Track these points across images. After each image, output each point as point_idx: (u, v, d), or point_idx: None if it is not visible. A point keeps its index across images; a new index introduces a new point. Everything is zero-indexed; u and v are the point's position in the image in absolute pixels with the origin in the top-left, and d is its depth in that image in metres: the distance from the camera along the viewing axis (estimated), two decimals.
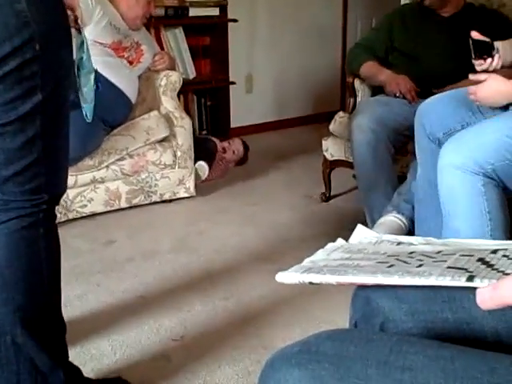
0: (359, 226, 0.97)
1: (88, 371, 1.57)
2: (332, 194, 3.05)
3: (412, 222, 2.16)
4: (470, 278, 0.62)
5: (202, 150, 3.19)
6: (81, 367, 1.40)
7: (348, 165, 2.78)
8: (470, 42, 1.83)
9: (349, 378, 0.59)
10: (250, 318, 1.89)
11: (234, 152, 3.57)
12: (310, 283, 0.73)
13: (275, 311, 1.94)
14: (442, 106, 1.86)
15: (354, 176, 2.72)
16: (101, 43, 2.82)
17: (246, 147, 3.63)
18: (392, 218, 2.22)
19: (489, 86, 1.71)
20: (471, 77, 1.79)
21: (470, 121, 1.78)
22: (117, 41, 2.89)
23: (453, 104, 1.85)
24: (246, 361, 1.66)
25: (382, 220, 2.23)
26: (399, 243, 0.87)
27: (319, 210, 2.93)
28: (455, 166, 1.55)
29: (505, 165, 1.52)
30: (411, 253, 0.79)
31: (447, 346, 0.62)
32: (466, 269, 0.66)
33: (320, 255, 0.86)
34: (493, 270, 0.65)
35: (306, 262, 0.83)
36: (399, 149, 2.50)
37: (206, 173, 3.06)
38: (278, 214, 2.85)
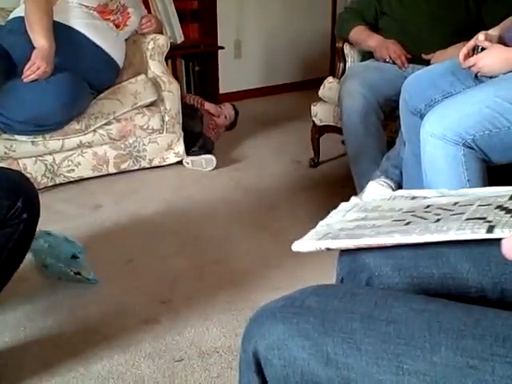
0: (371, 183, 0.96)
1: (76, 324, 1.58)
2: (320, 159, 3.05)
3: (400, 186, 2.17)
4: (490, 229, 0.61)
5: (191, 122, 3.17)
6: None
7: (337, 130, 2.77)
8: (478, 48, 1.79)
9: (333, 332, 0.60)
10: (238, 282, 1.90)
11: (225, 117, 3.56)
12: (328, 249, 0.72)
13: (264, 275, 1.94)
14: (422, 79, 1.88)
15: (343, 142, 2.71)
16: (86, 6, 2.76)
17: (236, 112, 3.62)
18: (380, 183, 2.22)
19: (493, 54, 1.71)
20: (472, 42, 1.77)
21: (451, 90, 1.79)
22: (102, 3, 2.83)
23: (432, 76, 1.86)
24: (233, 323, 1.67)
25: (369, 184, 2.24)
26: (413, 197, 0.86)
27: (308, 175, 2.93)
28: (436, 136, 1.57)
29: (485, 135, 1.53)
30: (427, 207, 0.78)
31: (432, 299, 0.63)
32: (484, 218, 0.65)
33: (335, 217, 0.85)
34: None
35: (321, 225, 0.82)
36: (389, 114, 2.49)
37: (214, 164, 3.01)
38: (266, 179, 2.84)
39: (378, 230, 0.71)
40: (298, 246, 0.76)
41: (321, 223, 0.82)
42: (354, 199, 0.89)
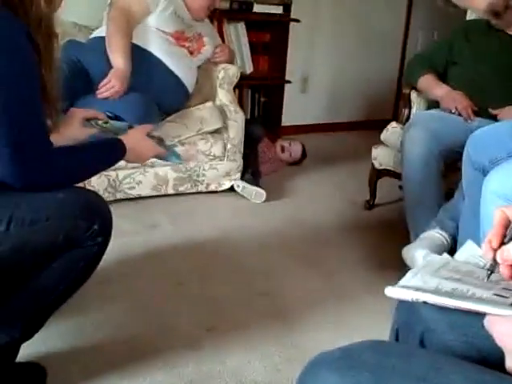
0: (469, 242, 0.94)
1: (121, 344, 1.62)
2: (376, 202, 3.05)
3: (455, 240, 2.15)
4: None
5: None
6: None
7: (395, 175, 2.77)
8: None
9: None
10: (283, 317, 1.91)
11: (290, 154, 3.62)
12: (425, 303, 0.72)
13: (309, 313, 1.95)
14: (489, 135, 1.86)
15: (401, 187, 2.71)
16: (164, 31, 2.87)
17: (304, 153, 3.67)
18: (435, 234, 2.21)
19: None
20: None
21: None
22: (179, 30, 2.93)
23: (499, 133, 1.84)
24: (275, 358, 1.69)
25: (424, 235, 2.22)
26: None
27: (362, 217, 2.93)
28: (499, 195, 1.55)
29: None
30: None
31: (489, 371, 0.63)
32: None
33: (427, 270, 0.83)
34: None
35: (411, 277, 0.80)
36: (450, 165, 2.48)
37: (263, 199, 3.02)
38: (320, 216, 2.86)
39: (481, 301, 0.70)
40: (392, 292, 0.75)
41: (409, 275, 0.81)
42: (445, 255, 0.88)
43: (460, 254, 0.91)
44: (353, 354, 0.64)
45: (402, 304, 0.85)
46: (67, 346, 1.65)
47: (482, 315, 0.72)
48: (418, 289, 0.73)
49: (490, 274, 0.76)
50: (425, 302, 0.71)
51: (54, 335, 1.67)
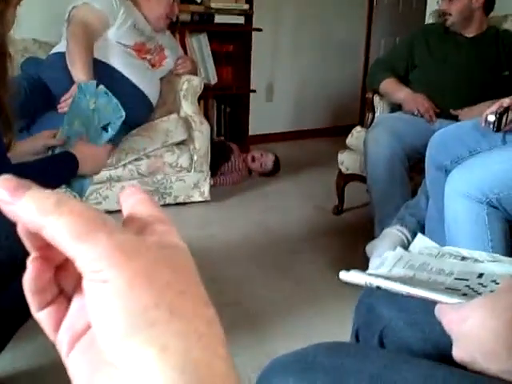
0: (419, 235, 0.95)
1: None
2: (344, 207, 3.06)
3: (415, 235, 2.17)
4: None
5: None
6: None
7: (362, 179, 2.79)
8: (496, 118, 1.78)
9: None
10: (253, 326, 1.91)
11: (261, 165, 3.62)
12: (378, 288, 0.73)
13: (280, 320, 1.95)
14: (449, 135, 1.89)
15: (368, 191, 2.73)
16: (124, 44, 2.85)
17: (277, 165, 3.69)
18: (394, 231, 2.22)
19: None
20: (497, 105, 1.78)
21: (477, 148, 1.80)
22: (140, 42, 2.92)
23: (459, 132, 1.87)
24: (247, 368, 1.67)
25: (385, 231, 2.24)
26: (463, 258, 0.85)
27: (331, 222, 2.94)
28: (461, 193, 1.58)
29: (510, 195, 1.53)
30: (480, 276, 0.77)
31: (441, 366, 0.63)
32: None
33: (381, 270, 0.84)
34: None
35: (369, 272, 0.82)
36: (413, 166, 2.51)
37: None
38: (289, 223, 2.86)
39: (434, 290, 0.70)
40: (347, 276, 0.76)
41: (367, 271, 0.81)
42: (399, 249, 0.89)
43: (413, 247, 0.92)
44: (307, 357, 0.64)
45: (361, 304, 0.85)
46: (36, 365, 1.62)
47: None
48: (370, 274, 0.74)
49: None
50: (378, 288, 0.72)
51: (21, 355, 1.64)
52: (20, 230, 0.30)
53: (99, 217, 0.28)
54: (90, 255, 0.27)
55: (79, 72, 2.57)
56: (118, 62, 2.80)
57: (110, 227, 0.28)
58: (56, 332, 0.32)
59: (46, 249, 0.30)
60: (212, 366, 0.28)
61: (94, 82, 1.62)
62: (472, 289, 0.73)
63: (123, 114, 1.59)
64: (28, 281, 0.31)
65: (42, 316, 0.33)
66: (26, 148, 1.49)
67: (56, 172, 1.40)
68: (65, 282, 0.32)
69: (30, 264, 0.31)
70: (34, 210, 0.28)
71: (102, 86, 1.58)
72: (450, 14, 2.61)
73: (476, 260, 0.84)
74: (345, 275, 0.76)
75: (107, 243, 0.28)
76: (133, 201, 0.32)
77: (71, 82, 2.55)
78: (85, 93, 1.59)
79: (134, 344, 0.26)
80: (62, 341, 0.32)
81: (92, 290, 0.28)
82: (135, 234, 0.30)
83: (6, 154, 1.23)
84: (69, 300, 0.33)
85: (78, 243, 0.27)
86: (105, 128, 1.63)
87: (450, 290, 0.72)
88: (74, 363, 0.31)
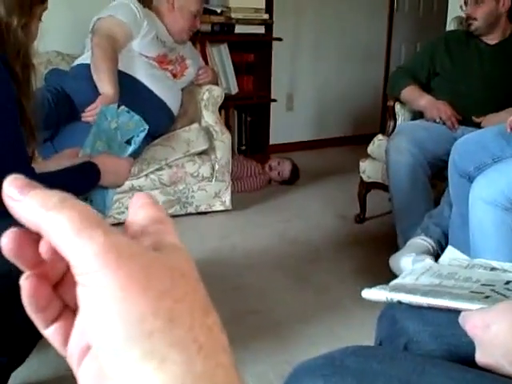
0: (450, 247, 0.94)
1: None
2: (366, 216, 3.05)
3: (440, 244, 2.15)
4: None
5: None
6: None
7: (384, 188, 2.78)
8: None
9: None
10: (276, 334, 1.90)
11: (279, 173, 3.63)
12: (399, 302, 0.73)
13: (302, 330, 1.94)
14: (473, 142, 1.88)
15: (390, 199, 2.71)
16: (146, 56, 2.88)
17: (296, 173, 3.69)
18: (419, 241, 2.21)
19: None
20: None
21: (501, 154, 1.78)
22: (162, 54, 2.95)
23: (483, 139, 1.86)
24: (269, 374, 1.67)
25: (409, 242, 2.23)
26: (492, 268, 0.84)
27: (353, 230, 2.93)
28: (486, 200, 1.56)
29: None
30: (507, 283, 0.76)
31: (470, 370, 0.63)
32: None
33: (408, 278, 0.84)
34: None
35: (394, 283, 0.82)
36: (436, 174, 2.49)
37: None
38: (311, 232, 2.86)
39: (456, 298, 0.70)
40: (368, 293, 0.76)
41: (393, 282, 0.81)
42: (428, 260, 0.89)
43: (443, 260, 0.91)
44: (336, 360, 0.64)
45: (384, 316, 0.84)
46: (60, 374, 1.63)
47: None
48: (393, 290, 0.74)
49: None
50: (399, 302, 0.72)
51: (45, 363, 1.65)
52: (7, 251, 0.29)
53: (98, 217, 0.28)
54: (86, 251, 0.27)
55: (105, 83, 2.59)
56: (140, 73, 2.83)
57: (106, 228, 0.28)
58: (65, 347, 0.32)
59: (39, 265, 0.30)
60: (213, 378, 0.27)
61: (115, 104, 1.63)
62: (497, 292, 0.72)
63: (146, 126, 1.59)
64: (27, 299, 0.31)
65: (50, 333, 0.32)
66: (52, 168, 1.51)
67: (77, 182, 1.41)
68: (66, 296, 0.32)
69: (25, 282, 0.30)
70: (37, 205, 0.28)
71: (123, 107, 1.59)
72: (475, 19, 2.60)
73: (505, 271, 0.83)
74: (367, 293, 0.76)
75: (104, 241, 0.27)
76: (135, 207, 0.32)
77: (95, 93, 2.58)
78: (106, 116, 1.61)
79: (131, 358, 0.26)
80: (71, 355, 0.31)
81: (86, 297, 0.27)
82: (131, 238, 0.30)
83: (29, 163, 1.25)
84: (74, 314, 0.32)
85: (76, 237, 0.27)
86: (128, 142, 1.63)
87: (474, 294, 0.71)
88: (82, 378, 0.30)
